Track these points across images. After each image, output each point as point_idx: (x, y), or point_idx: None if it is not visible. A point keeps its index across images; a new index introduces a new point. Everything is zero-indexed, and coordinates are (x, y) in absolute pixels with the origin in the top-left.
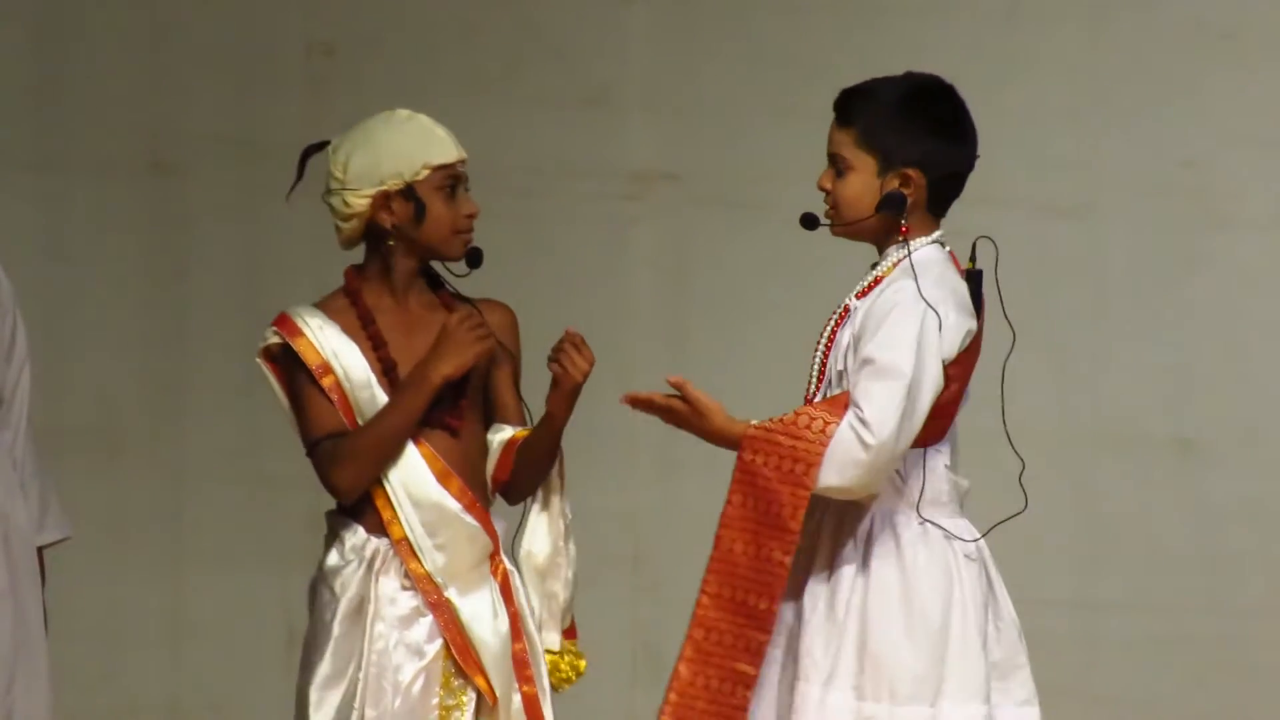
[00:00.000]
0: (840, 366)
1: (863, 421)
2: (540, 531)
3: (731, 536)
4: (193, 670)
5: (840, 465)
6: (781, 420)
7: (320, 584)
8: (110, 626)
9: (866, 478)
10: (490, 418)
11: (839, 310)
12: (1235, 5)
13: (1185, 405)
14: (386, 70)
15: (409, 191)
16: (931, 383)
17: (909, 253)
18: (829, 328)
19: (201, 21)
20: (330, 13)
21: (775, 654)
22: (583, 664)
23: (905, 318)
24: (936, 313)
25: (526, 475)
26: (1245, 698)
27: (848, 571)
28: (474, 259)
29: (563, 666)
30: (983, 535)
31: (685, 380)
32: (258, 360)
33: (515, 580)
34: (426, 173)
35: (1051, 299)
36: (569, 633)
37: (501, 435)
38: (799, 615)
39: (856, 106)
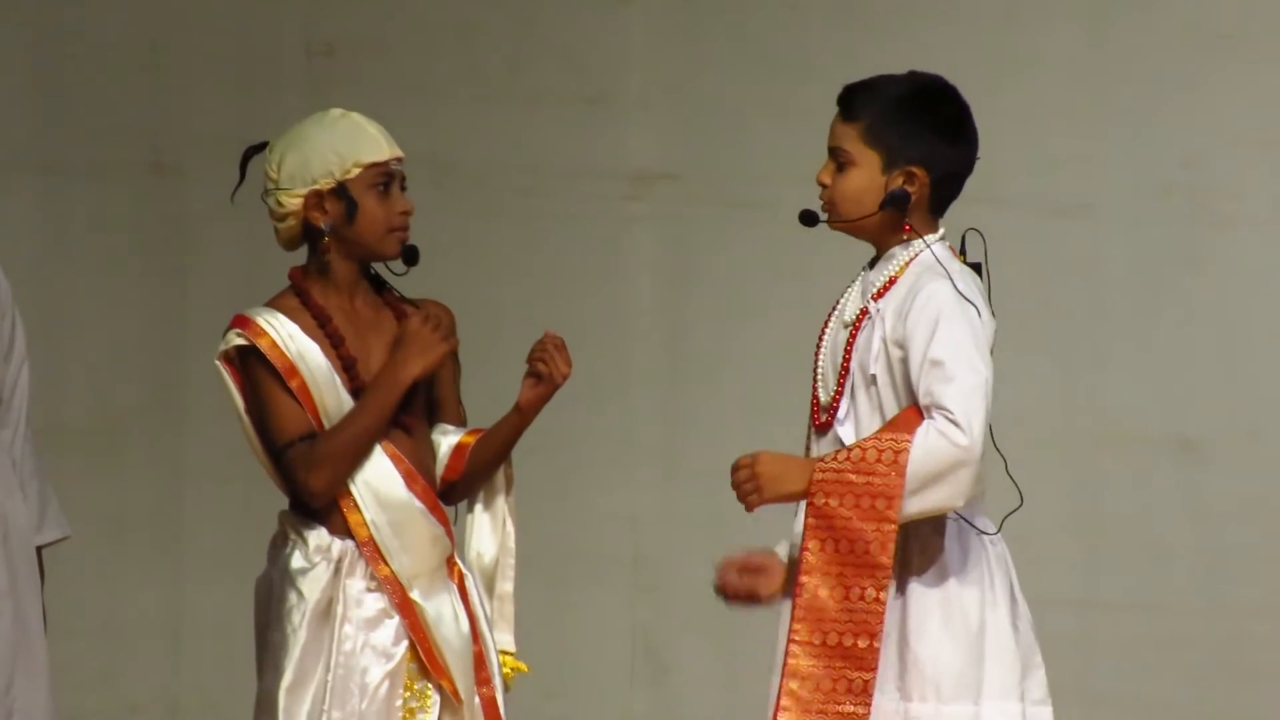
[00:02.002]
0: (873, 370)
1: (953, 422)
2: (485, 532)
3: (815, 583)
4: (193, 670)
5: (934, 477)
6: (848, 457)
7: (284, 585)
8: (110, 626)
9: (965, 480)
10: (432, 417)
11: (849, 311)
12: (1235, 5)
13: (1185, 405)
14: (386, 70)
15: (340, 190)
16: (991, 382)
17: (924, 248)
18: (843, 330)
19: (201, 21)
20: (330, 13)
21: None
22: (524, 666)
23: (957, 318)
24: (977, 309)
25: (478, 476)
26: (1245, 698)
27: None
28: (410, 257)
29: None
30: (997, 530)
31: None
32: (217, 363)
33: (470, 582)
34: (357, 170)
35: (1052, 298)
36: None
37: (450, 438)
38: None
39: (862, 101)
